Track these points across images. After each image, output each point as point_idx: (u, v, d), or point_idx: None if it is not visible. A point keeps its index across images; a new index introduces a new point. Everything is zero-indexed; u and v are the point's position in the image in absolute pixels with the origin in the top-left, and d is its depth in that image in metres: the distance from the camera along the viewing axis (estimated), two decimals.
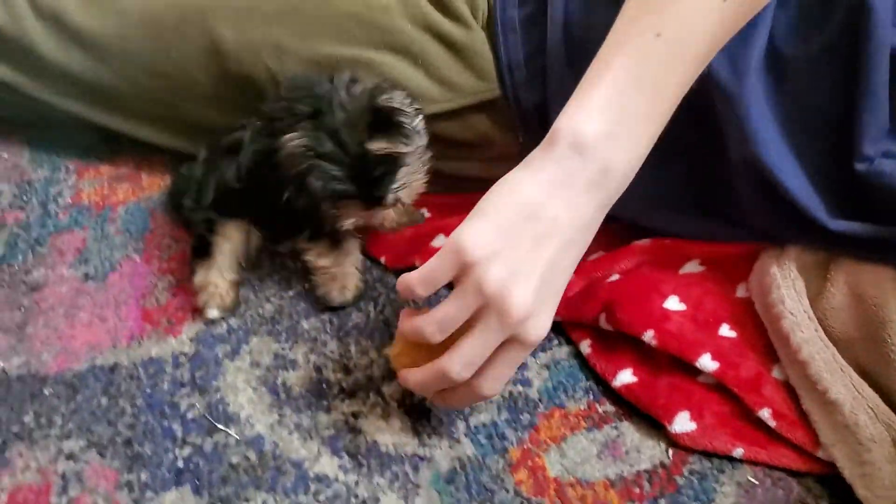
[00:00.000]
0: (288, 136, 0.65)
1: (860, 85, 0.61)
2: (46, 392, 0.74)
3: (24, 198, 0.93)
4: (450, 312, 0.56)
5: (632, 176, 0.57)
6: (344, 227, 0.71)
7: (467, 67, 0.78)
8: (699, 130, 0.69)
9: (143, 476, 0.68)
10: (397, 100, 0.67)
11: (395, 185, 0.67)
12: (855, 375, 0.64)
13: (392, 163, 0.67)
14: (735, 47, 0.63)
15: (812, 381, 0.64)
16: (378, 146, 0.65)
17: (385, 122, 0.66)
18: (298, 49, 0.79)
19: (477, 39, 0.77)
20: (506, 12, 0.77)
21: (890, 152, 0.61)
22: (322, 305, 0.79)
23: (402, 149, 0.67)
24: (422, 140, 0.69)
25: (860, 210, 0.65)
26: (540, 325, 0.56)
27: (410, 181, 0.69)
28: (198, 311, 0.79)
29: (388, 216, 0.82)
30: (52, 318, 0.80)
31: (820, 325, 0.66)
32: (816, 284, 0.68)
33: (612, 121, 0.55)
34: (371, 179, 0.66)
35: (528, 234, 0.55)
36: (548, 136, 0.56)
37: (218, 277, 0.79)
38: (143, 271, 0.84)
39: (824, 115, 0.64)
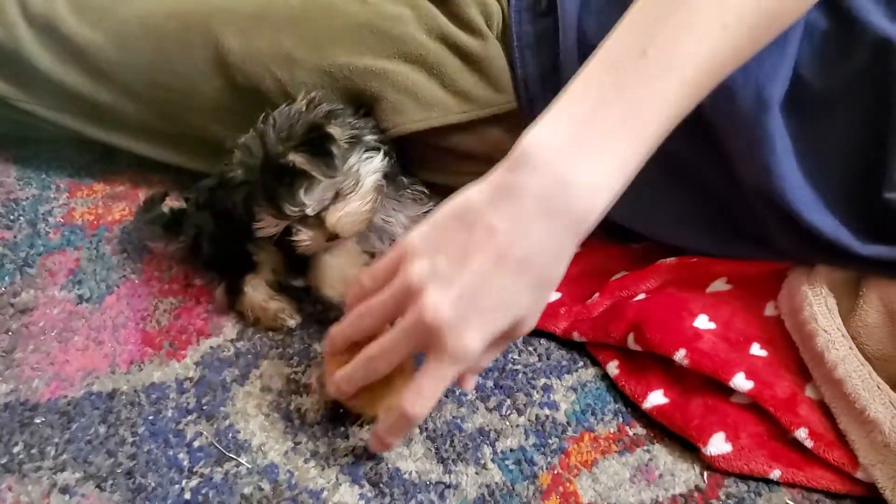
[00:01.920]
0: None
1: (891, 113, 0.61)
2: (38, 421, 0.69)
3: (11, 217, 0.88)
4: (376, 301, 0.57)
5: (603, 201, 0.52)
6: (265, 235, 0.72)
7: (483, 79, 0.76)
8: (719, 156, 0.68)
9: None
10: (338, 132, 0.69)
11: (305, 201, 0.68)
12: (892, 393, 0.62)
13: (304, 177, 0.68)
14: (761, 77, 0.63)
15: (849, 400, 0.63)
16: (296, 159, 0.67)
17: (317, 144, 0.68)
18: (309, 58, 0.77)
19: (492, 50, 0.76)
20: (521, 27, 0.76)
21: None
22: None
23: (317, 173, 0.67)
24: (359, 178, 0.71)
25: (892, 234, 0.64)
26: (461, 340, 0.53)
27: (350, 210, 0.70)
28: (203, 334, 0.75)
29: (313, 238, 0.74)
30: (43, 343, 0.75)
31: (853, 342, 0.65)
32: (848, 302, 0.67)
33: (576, 135, 0.52)
34: (278, 188, 0.68)
35: (459, 240, 0.53)
36: (513, 147, 0.53)
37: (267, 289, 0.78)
38: (143, 293, 0.80)
39: (851, 145, 0.64)
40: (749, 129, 0.64)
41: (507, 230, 0.52)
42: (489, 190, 0.53)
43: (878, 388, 0.63)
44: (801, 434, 0.63)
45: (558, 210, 0.51)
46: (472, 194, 0.53)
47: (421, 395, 0.56)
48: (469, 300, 0.52)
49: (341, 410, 0.68)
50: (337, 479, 0.65)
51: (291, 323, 0.76)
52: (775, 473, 0.63)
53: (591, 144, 0.52)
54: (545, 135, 0.52)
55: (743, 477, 0.64)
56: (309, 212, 0.69)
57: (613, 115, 0.52)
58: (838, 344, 0.65)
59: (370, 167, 0.72)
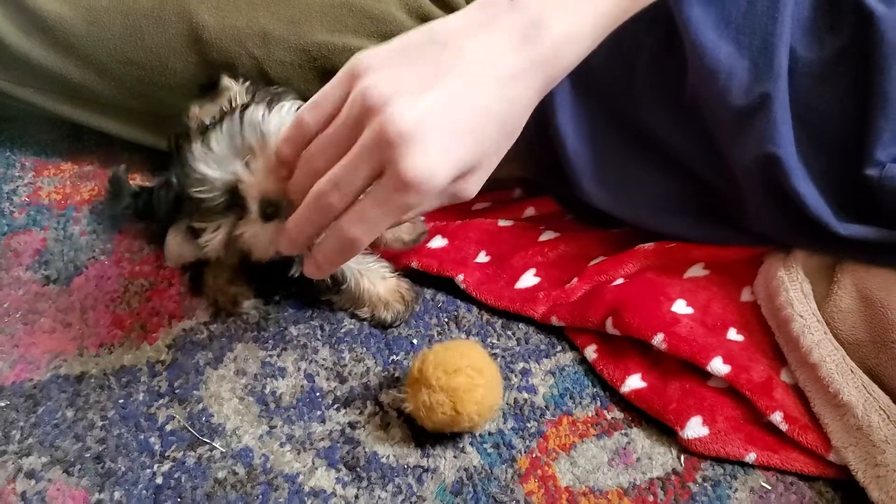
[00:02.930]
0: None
1: (873, 90, 0.62)
2: (2, 404, 0.67)
3: None
4: (331, 133, 0.49)
5: (577, 47, 0.52)
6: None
7: None
8: (703, 135, 0.68)
9: (117, 494, 0.62)
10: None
11: None
12: (865, 377, 0.63)
13: None
14: (766, 49, 0.64)
15: (823, 384, 0.64)
16: None
17: None
18: (286, 36, 0.75)
19: None
20: None
21: None
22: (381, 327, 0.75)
23: None
24: None
25: (869, 214, 0.65)
26: (420, 159, 0.46)
27: None
28: (176, 317, 0.73)
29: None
30: (7, 324, 0.73)
31: (828, 327, 0.66)
32: (823, 287, 0.68)
33: None
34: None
35: (429, 56, 0.48)
36: None
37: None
38: (113, 274, 0.78)
39: (834, 119, 0.65)
40: (763, 98, 0.64)
41: (479, 52, 0.49)
42: (461, 19, 0.50)
43: (852, 372, 0.64)
44: (777, 417, 0.64)
45: (532, 49, 0.50)
46: (438, 24, 0.50)
47: (363, 220, 0.49)
48: (440, 116, 0.47)
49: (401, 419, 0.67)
50: (313, 462, 0.64)
51: (247, 305, 0.75)
52: (751, 456, 0.63)
53: None
54: None
55: (719, 460, 0.64)
56: None
57: None
58: (813, 329, 0.66)
59: None
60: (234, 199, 0.61)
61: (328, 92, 0.50)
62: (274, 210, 0.59)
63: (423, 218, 0.80)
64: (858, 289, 0.67)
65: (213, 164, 0.60)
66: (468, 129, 0.48)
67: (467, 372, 0.61)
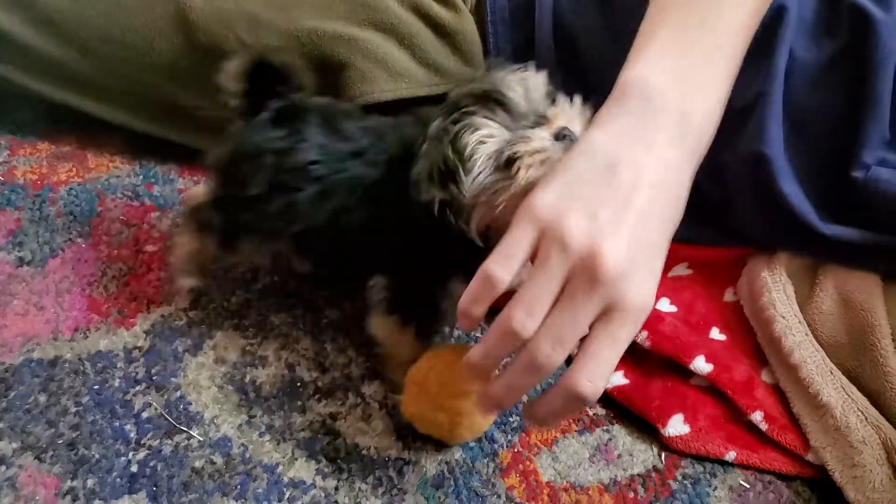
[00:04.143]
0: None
1: (865, 93, 0.63)
2: None
3: None
4: (536, 290, 0.46)
5: (714, 119, 0.53)
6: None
7: (455, 52, 0.75)
8: None
9: (90, 482, 0.60)
10: None
11: None
12: (844, 379, 0.64)
13: None
14: (768, 48, 0.64)
15: (803, 385, 0.64)
16: None
17: None
18: (276, 21, 0.74)
19: (466, 23, 0.75)
20: (496, 2, 0.75)
21: (886, 160, 0.63)
22: None
23: None
24: None
25: (852, 216, 0.66)
26: (639, 288, 0.46)
27: None
28: (154, 302, 0.72)
29: None
30: None
31: (809, 329, 0.67)
32: (805, 289, 0.69)
33: (676, 63, 0.52)
34: None
35: (607, 182, 0.47)
36: (613, 91, 0.52)
37: None
38: (90, 258, 0.76)
39: (825, 121, 0.66)
40: (761, 96, 0.65)
41: (650, 160, 0.49)
42: (619, 132, 0.50)
43: (831, 373, 0.64)
44: (757, 417, 0.64)
45: (685, 141, 0.51)
46: (601, 140, 0.49)
47: (600, 369, 0.46)
48: (640, 242, 0.47)
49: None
50: (293, 453, 0.63)
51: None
52: (730, 455, 0.64)
53: (694, 78, 0.52)
54: (648, 68, 0.52)
55: (699, 458, 0.65)
56: None
57: (701, 37, 0.53)
58: (795, 330, 0.66)
59: None
60: None
61: (514, 243, 0.48)
62: None
63: None
64: (840, 292, 0.67)
65: None
66: (660, 245, 0.49)
67: (472, 398, 0.57)
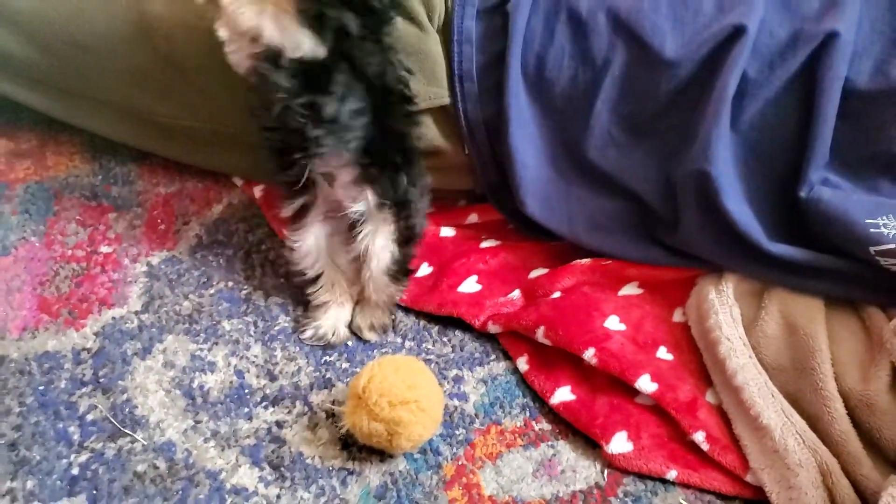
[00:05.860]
0: None
1: (815, 113, 0.64)
2: None
3: None
4: None
5: None
6: None
7: (418, 71, 0.76)
8: (653, 152, 0.70)
9: (30, 484, 0.60)
10: None
11: None
12: (785, 402, 0.65)
13: None
14: (718, 70, 0.66)
15: (745, 407, 0.65)
16: None
17: None
18: None
19: (430, 43, 0.75)
20: (463, 23, 0.75)
21: (828, 180, 0.64)
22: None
23: None
24: None
25: (799, 235, 0.67)
26: None
27: None
28: (106, 304, 0.71)
29: None
30: None
31: (753, 351, 0.68)
32: (752, 312, 0.70)
33: None
34: None
35: None
36: None
37: None
38: (43, 257, 0.75)
39: (777, 141, 0.67)
40: (713, 116, 0.66)
41: None
42: None
43: (773, 396, 0.65)
44: (699, 437, 0.65)
45: None
46: None
47: None
48: None
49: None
50: (237, 460, 0.63)
51: None
52: (672, 474, 0.64)
53: None
54: None
55: (641, 476, 0.65)
56: None
57: None
58: (739, 352, 0.67)
59: None
60: None
61: None
62: None
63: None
64: (784, 315, 0.69)
65: None
66: None
67: (411, 408, 0.60)
